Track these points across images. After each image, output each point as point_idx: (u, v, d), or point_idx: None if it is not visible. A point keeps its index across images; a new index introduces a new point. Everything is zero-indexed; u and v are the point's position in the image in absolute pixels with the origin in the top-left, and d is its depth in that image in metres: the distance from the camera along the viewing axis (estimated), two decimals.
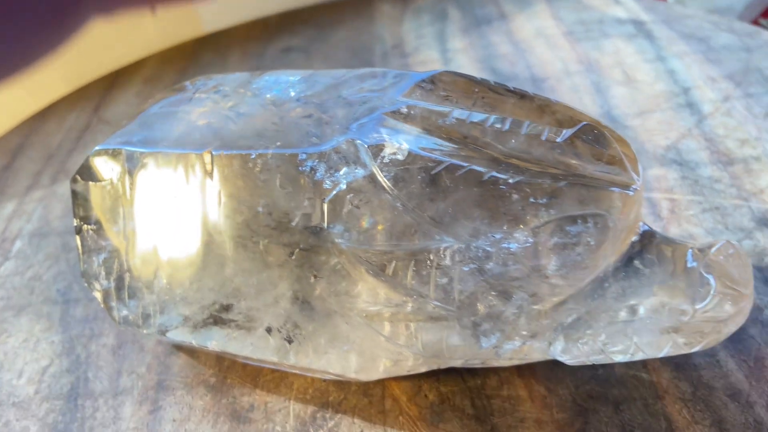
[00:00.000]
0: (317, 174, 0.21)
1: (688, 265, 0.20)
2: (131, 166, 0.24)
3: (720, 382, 0.23)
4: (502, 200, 0.19)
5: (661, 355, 0.20)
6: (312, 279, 0.21)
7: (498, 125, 0.21)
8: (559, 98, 0.39)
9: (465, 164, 0.20)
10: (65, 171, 0.39)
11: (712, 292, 0.20)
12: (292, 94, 0.24)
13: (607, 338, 0.20)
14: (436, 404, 0.24)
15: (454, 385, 0.24)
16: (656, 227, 0.29)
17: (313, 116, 0.22)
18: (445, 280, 0.20)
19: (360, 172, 0.20)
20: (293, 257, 0.22)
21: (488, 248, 0.20)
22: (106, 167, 0.24)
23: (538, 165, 0.20)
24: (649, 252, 0.21)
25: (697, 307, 0.20)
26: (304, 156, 0.21)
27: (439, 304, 0.20)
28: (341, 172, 0.21)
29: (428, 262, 0.20)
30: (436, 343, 0.21)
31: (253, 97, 0.25)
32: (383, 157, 0.20)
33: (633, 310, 0.20)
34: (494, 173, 0.19)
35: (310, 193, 0.21)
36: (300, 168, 0.21)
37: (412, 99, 0.22)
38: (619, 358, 0.21)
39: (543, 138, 0.20)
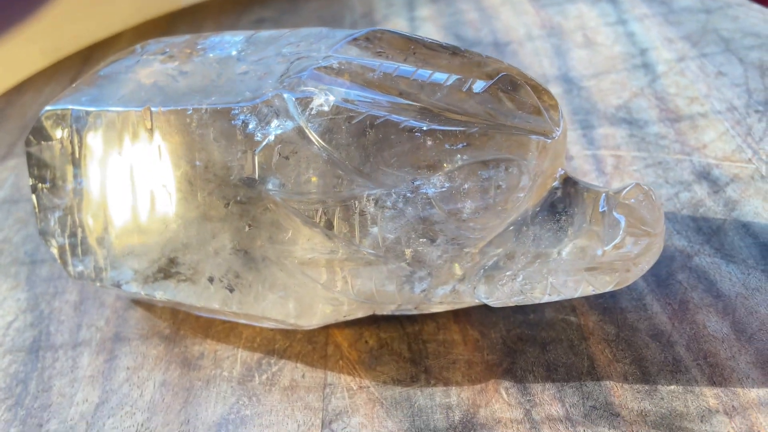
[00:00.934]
0: (249, 127, 0.22)
1: (600, 209, 0.21)
2: (79, 125, 0.25)
3: (644, 324, 0.24)
4: (418, 147, 0.20)
5: (576, 295, 0.21)
6: (246, 228, 0.22)
7: (423, 78, 0.21)
8: (520, 62, 0.39)
9: (383, 114, 0.20)
10: None
11: (620, 232, 0.20)
12: (234, 53, 0.25)
13: (524, 279, 0.21)
14: (375, 349, 0.25)
15: (393, 331, 0.25)
16: (600, 183, 0.30)
17: (249, 72, 0.23)
18: (372, 228, 0.21)
19: (289, 124, 0.21)
20: (229, 209, 0.23)
21: (408, 194, 0.21)
22: (56, 127, 0.25)
23: (461, 115, 0.21)
24: (568, 197, 0.22)
25: (607, 247, 0.21)
26: (237, 110, 0.22)
27: (367, 249, 0.21)
28: (271, 125, 0.21)
29: (354, 209, 0.21)
30: (369, 289, 0.22)
31: (198, 57, 0.26)
32: (311, 110, 0.21)
33: (548, 253, 0.21)
34: (411, 122, 0.20)
35: (242, 146, 0.22)
36: (232, 122, 0.22)
37: (345, 55, 0.23)
38: (537, 300, 0.22)
39: (464, 89, 0.21)
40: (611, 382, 0.22)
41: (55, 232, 0.26)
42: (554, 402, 0.22)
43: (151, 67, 0.26)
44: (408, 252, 0.21)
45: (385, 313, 0.24)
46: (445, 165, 0.20)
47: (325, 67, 0.22)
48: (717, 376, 0.22)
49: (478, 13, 0.45)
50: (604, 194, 0.21)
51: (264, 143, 0.21)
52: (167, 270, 0.24)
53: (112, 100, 0.25)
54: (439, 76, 0.21)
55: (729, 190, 0.28)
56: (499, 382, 0.23)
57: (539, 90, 0.22)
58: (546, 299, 0.22)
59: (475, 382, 0.23)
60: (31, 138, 0.26)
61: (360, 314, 0.24)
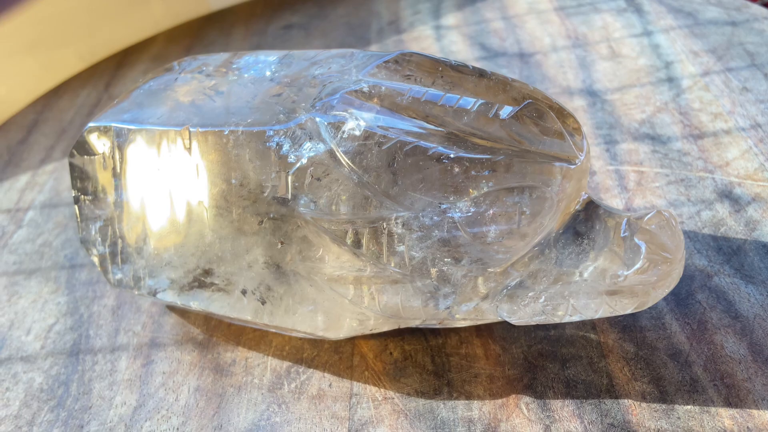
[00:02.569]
0: (283, 149, 0.23)
1: (622, 234, 0.22)
2: (121, 141, 0.26)
3: (663, 343, 0.25)
4: (445, 173, 0.21)
5: (597, 316, 0.22)
6: (279, 245, 0.23)
7: (451, 104, 0.22)
8: (545, 73, 0.40)
9: (412, 140, 0.21)
10: None
11: (641, 258, 0.21)
12: (268, 73, 0.26)
13: (546, 300, 0.22)
14: (400, 361, 0.26)
15: (417, 344, 0.26)
16: (622, 199, 0.31)
17: (283, 95, 0.24)
18: (399, 247, 0.22)
19: (321, 147, 0.22)
20: (263, 225, 0.24)
21: (435, 217, 0.21)
22: (99, 142, 0.26)
23: (487, 140, 0.22)
24: (590, 221, 0.23)
25: (627, 272, 0.21)
26: (271, 132, 0.23)
27: (394, 268, 0.22)
28: (304, 147, 0.22)
29: (383, 230, 0.22)
30: (395, 305, 0.23)
31: (233, 77, 0.27)
32: (342, 133, 0.22)
33: (570, 274, 0.22)
34: (439, 148, 0.21)
35: (276, 166, 0.23)
36: (267, 144, 0.23)
37: (374, 78, 0.24)
38: (558, 320, 0.22)
39: (490, 115, 0.22)
40: (629, 401, 0.23)
41: (96, 241, 0.27)
42: (573, 418, 0.23)
43: (188, 86, 0.27)
44: (433, 271, 0.22)
45: (410, 326, 0.25)
46: (471, 191, 0.21)
47: (356, 91, 0.23)
48: (733, 397, 0.22)
49: (504, 22, 0.46)
50: (625, 219, 0.22)
51: (297, 165, 0.22)
52: (202, 280, 0.26)
53: (153, 118, 0.26)
54: (466, 101, 0.22)
55: (750, 209, 0.29)
56: (519, 397, 0.24)
57: (563, 114, 0.22)
58: (567, 320, 0.22)
59: (496, 396, 0.24)
60: (75, 151, 0.27)
61: (385, 328, 0.25)
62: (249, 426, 0.24)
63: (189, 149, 0.24)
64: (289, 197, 0.23)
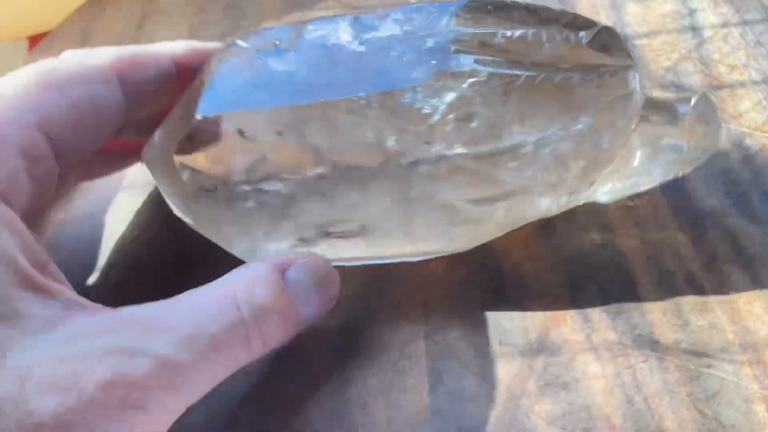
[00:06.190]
0: (416, 104, 0.26)
1: (680, 111, 0.30)
2: (234, 126, 0.26)
3: (681, 272, 0.30)
4: (571, 94, 0.26)
5: (669, 178, 0.30)
6: (417, 184, 0.27)
7: (541, 38, 0.27)
8: (579, 12, 0.43)
9: (534, 73, 0.26)
10: None
11: (701, 129, 0.30)
12: (347, 38, 0.28)
13: (635, 179, 0.30)
14: (464, 279, 0.31)
15: (479, 266, 0.31)
16: None
17: (390, 55, 0.27)
18: (527, 166, 0.27)
19: (451, 95, 0.26)
20: (401, 169, 0.27)
21: (560, 132, 0.27)
22: (212, 134, 0.26)
23: (575, 63, 0.27)
24: (656, 111, 0.30)
25: (688, 141, 0.29)
26: (402, 90, 0.26)
27: (522, 180, 0.27)
28: (436, 99, 0.26)
29: (516, 153, 0.27)
30: (522, 214, 0.29)
31: (316, 48, 0.28)
32: (465, 79, 0.26)
33: (646, 154, 0.29)
34: (560, 75, 0.26)
35: (415, 121, 0.26)
36: (401, 101, 0.26)
37: (462, 27, 0.27)
38: (641, 190, 0.31)
39: (573, 42, 0.27)
40: (653, 316, 0.29)
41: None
42: (609, 330, 0.29)
43: (280, 60, 0.28)
44: (553, 177, 0.28)
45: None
46: (585, 107, 0.27)
47: (457, 40, 0.27)
48: (736, 316, 0.28)
49: None
50: (675, 102, 0.30)
51: (434, 116, 0.26)
52: (330, 231, 0.29)
53: (268, 97, 0.27)
54: (550, 34, 0.27)
55: (757, 159, 0.34)
56: (565, 312, 0.29)
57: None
58: (649, 187, 0.30)
59: (546, 310, 0.30)
60: (186, 145, 0.27)
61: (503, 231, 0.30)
62: (340, 327, 0.30)
63: (324, 122, 0.26)
64: (430, 142, 0.26)
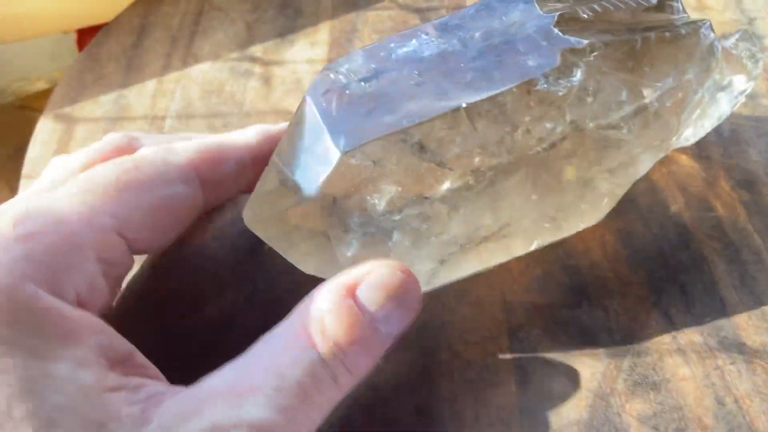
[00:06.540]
0: (551, 87, 0.27)
1: (726, 45, 0.32)
2: (369, 158, 0.25)
3: (762, 275, 0.30)
4: (678, 47, 0.29)
5: (728, 113, 0.32)
6: (555, 166, 0.28)
7: (615, 6, 0.29)
8: None
9: (637, 36, 0.28)
10: (193, 55, 0.44)
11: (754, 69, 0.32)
12: (442, 44, 0.28)
13: (708, 117, 0.32)
14: (542, 278, 0.31)
15: (555, 263, 0.31)
16: (718, 146, 0.35)
17: (511, 50, 0.27)
18: (654, 122, 0.29)
19: (578, 72, 0.27)
20: (542, 154, 0.27)
21: (674, 84, 0.29)
22: (352, 169, 0.25)
23: (654, 23, 0.29)
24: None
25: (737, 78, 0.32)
26: (535, 78, 0.26)
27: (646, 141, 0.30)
28: (567, 79, 0.27)
29: (644, 114, 0.29)
30: (633, 175, 0.30)
31: (412, 60, 0.27)
32: (587, 54, 0.27)
33: (712, 95, 0.31)
34: (664, 32, 0.29)
35: (551, 103, 0.27)
36: (536, 87, 0.27)
37: (551, 12, 0.28)
38: (708, 125, 0.32)
39: (646, 5, 0.30)
40: (738, 320, 0.29)
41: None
42: (694, 333, 0.29)
43: (391, 79, 0.27)
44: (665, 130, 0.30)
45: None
46: (683, 63, 0.29)
47: (558, 23, 0.28)
48: None
49: None
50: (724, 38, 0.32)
51: (570, 94, 0.27)
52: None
53: (399, 117, 0.25)
54: (615, 2, 0.29)
55: None
56: (648, 312, 0.29)
57: None
58: (714, 125, 0.32)
59: (629, 310, 0.29)
60: (329, 182, 0.25)
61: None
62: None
63: (471, 124, 0.26)
64: (569, 121, 0.27)
